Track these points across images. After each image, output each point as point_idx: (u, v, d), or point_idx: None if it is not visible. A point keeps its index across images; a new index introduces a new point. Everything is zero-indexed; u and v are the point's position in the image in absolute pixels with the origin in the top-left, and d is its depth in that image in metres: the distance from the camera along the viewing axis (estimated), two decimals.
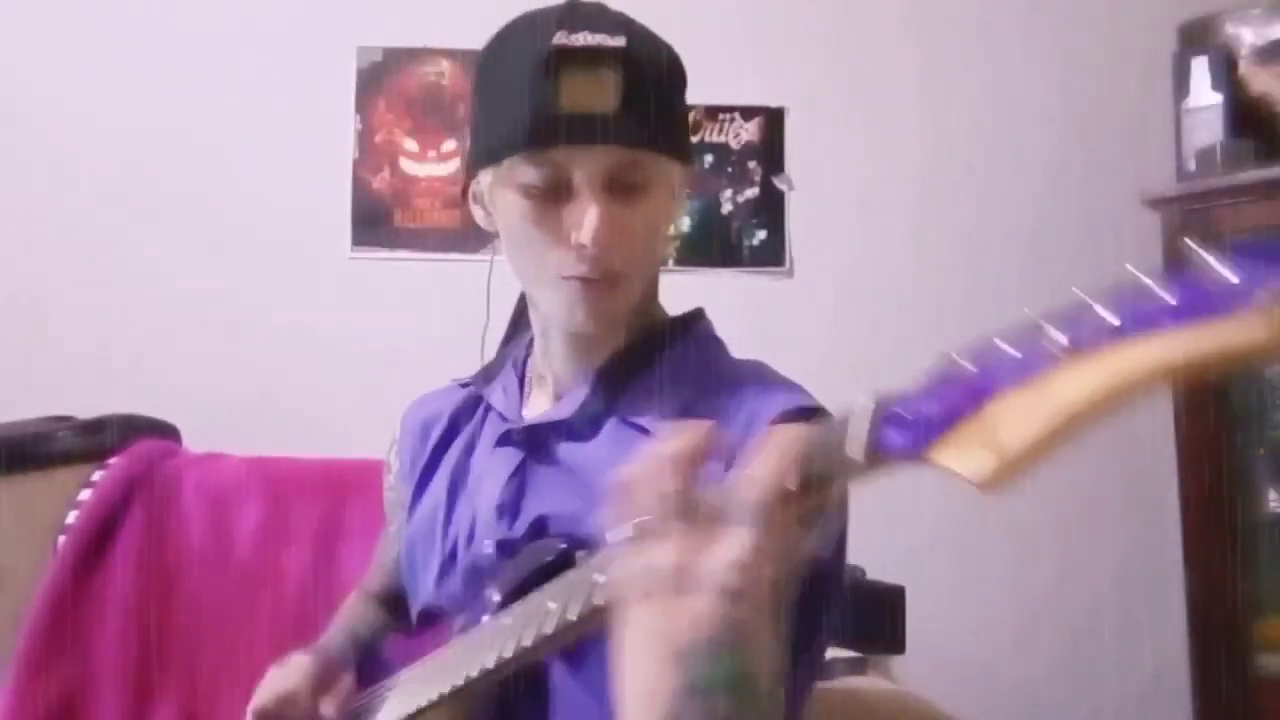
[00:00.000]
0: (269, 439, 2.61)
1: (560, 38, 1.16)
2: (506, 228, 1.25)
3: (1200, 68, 2.96)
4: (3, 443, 2.47)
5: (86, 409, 2.62)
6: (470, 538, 1.30)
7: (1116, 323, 0.54)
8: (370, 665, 1.44)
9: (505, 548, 1.23)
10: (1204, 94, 2.95)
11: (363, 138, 3.04)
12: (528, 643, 0.96)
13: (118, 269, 2.96)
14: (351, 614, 1.55)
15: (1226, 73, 2.93)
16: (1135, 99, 3.12)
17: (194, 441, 2.67)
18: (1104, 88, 3.15)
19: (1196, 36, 3.03)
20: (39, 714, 2.21)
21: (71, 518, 2.39)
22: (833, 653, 2.47)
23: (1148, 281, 0.54)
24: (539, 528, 1.21)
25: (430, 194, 3.03)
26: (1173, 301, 0.53)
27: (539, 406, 1.34)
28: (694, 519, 0.73)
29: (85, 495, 2.42)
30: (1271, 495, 2.82)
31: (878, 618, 2.17)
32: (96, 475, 2.45)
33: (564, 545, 1.13)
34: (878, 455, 0.65)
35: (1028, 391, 0.56)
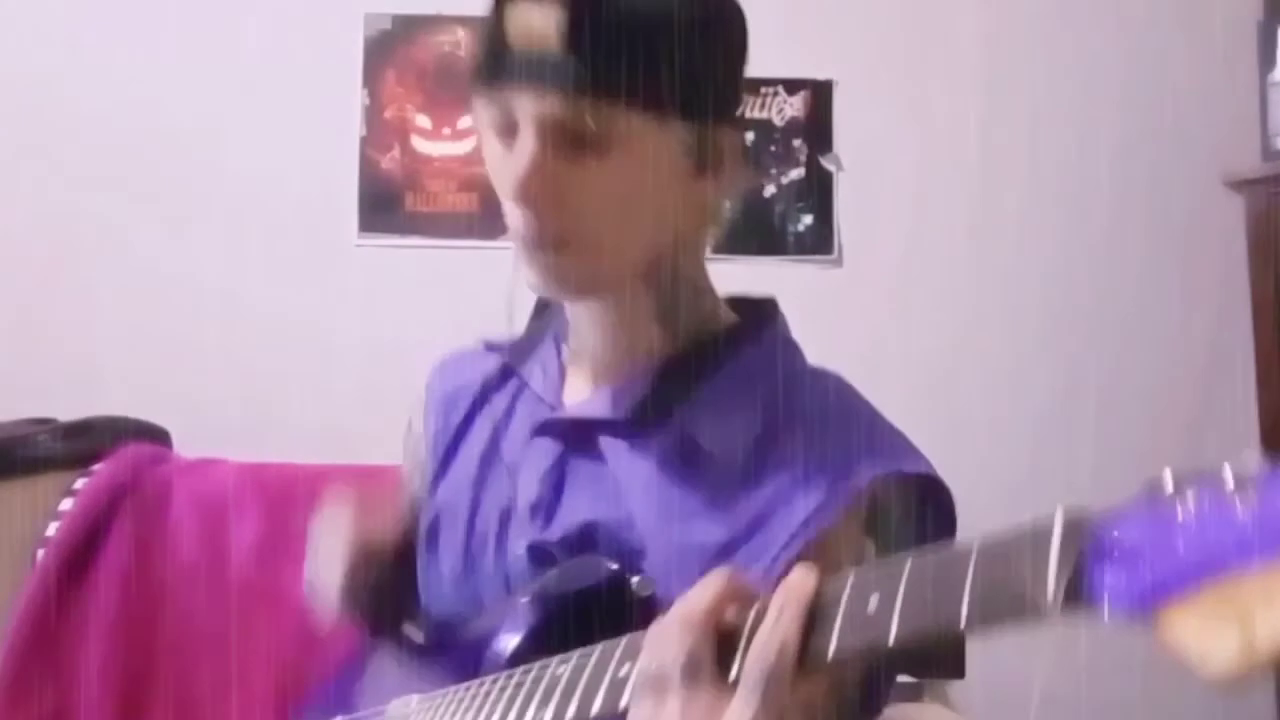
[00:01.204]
0: (267, 443, 2.55)
1: None
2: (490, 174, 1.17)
3: None
4: None
5: (69, 411, 2.55)
6: (499, 537, 1.22)
7: None
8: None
9: (538, 552, 1.15)
10: None
11: (370, 114, 3.01)
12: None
13: (102, 258, 2.92)
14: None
15: None
16: (1216, 71, 3.04)
17: (185, 446, 2.59)
18: (1182, 58, 3.07)
19: None
20: None
21: (52, 529, 2.30)
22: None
23: None
24: (581, 535, 1.13)
25: (445, 175, 2.98)
26: None
27: (578, 392, 1.25)
28: (701, 681, 0.78)
29: (67, 505, 2.33)
30: None
31: (937, 643, 2.13)
32: (79, 483, 2.37)
33: (614, 567, 1.05)
34: (1083, 600, 0.58)
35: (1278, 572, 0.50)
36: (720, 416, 1.14)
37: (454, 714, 1.08)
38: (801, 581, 0.77)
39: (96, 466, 2.38)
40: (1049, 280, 3.01)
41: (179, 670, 2.25)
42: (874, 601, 0.71)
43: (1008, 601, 0.62)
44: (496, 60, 1.08)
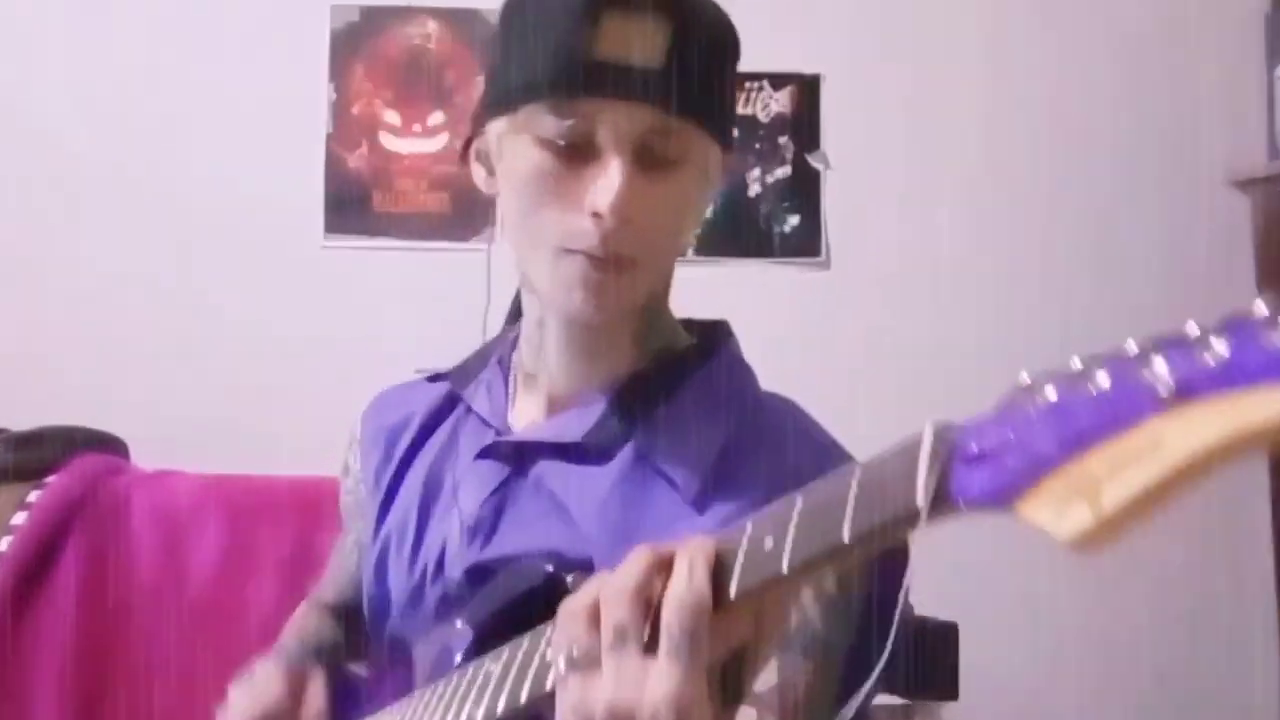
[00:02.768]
0: (229, 455, 2.52)
1: None
2: (512, 185, 1.13)
3: None
4: None
5: (20, 420, 2.53)
6: (440, 562, 1.21)
7: (1233, 365, 0.50)
8: (333, 687, 1.32)
9: (476, 574, 1.14)
10: None
11: (337, 109, 2.96)
12: (498, 711, 0.92)
13: (54, 259, 2.88)
14: (306, 628, 1.42)
15: None
16: (1222, 66, 3.01)
17: (143, 457, 2.57)
18: (1187, 53, 3.03)
19: None
20: None
21: (4, 544, 2.28)
22: (876, 699, 2.34)
23: (1268, 315, 0.50)
24: (522, 556, 1.12)
25: (415, 173, 2.92)
26: None
27: (528, 414, 1.23)
28: (628, 652, 0.76)
29: (20, 519, 2.32)
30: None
31: (927, 658, 2.13)
32: (32, 496, 2.35)
33: (549, 568, 1.04)
34: (949, 503, 0.62)
35: (1129, 439, 0.53)
36: (677, 440, 1.13)
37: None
38: (701, 538, 0.78)
39: (50, 479, 2.35)
40: (1048, 281, 2.97)
41: (137, 692, 2.21)
42: (769, 541, 0.74)
43: (884, 513, 0.65)
44: (580, 71, 1.06)
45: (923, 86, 3.03)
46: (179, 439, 2.61)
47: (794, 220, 2.98)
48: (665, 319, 1.24)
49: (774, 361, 1.27)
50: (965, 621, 2.09)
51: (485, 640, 1.02)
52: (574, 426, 1.17)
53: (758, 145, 2.99)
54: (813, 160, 2.99)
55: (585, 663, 0.78)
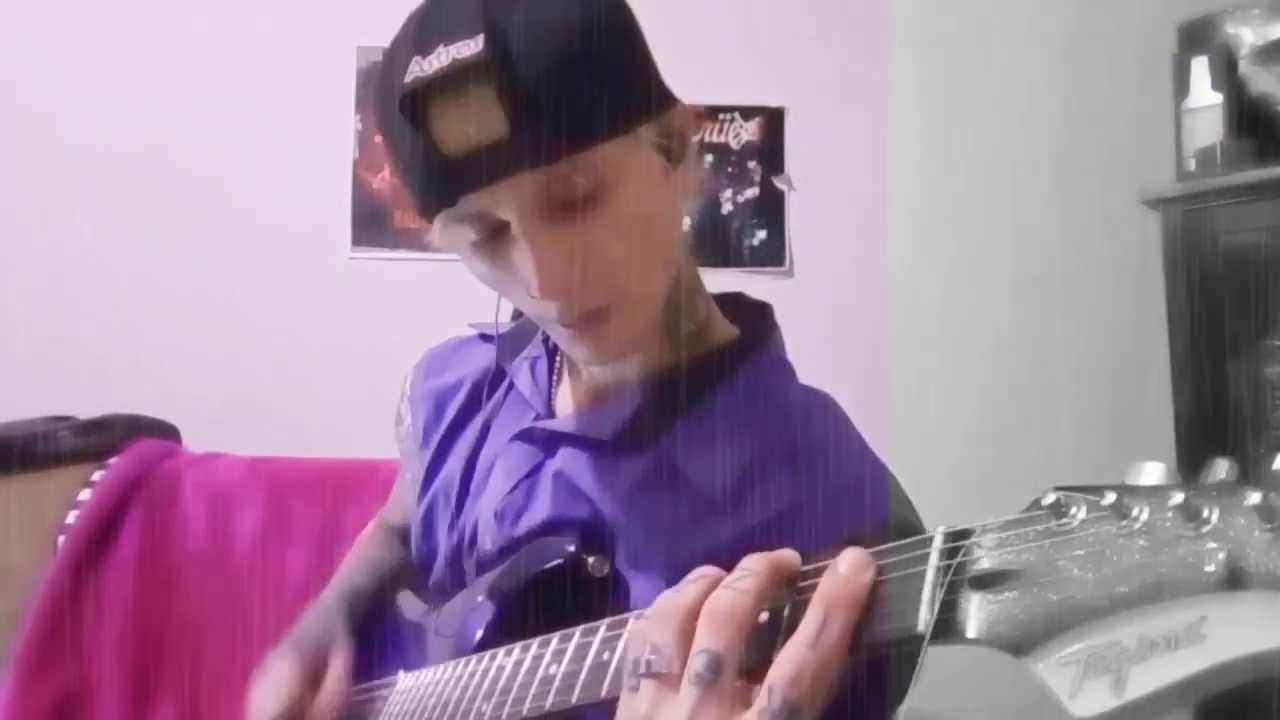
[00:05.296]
0: (269, 439, 2.59)
1: (413, 69, 0.91)
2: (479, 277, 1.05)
3: (1200, 68, 2.96)
4: (3, 443, 2.45)
5: (87, 409, 2.60)
6: (474, 536, 1.18)
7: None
8: (384, 609, 1.31)
9: (508, 551, 1.11)
10: (1204, 94, 2.95)
11: (363, 137, 3.01)
12: (533, 709, 0.83)
13: (117, 269, 2.94)
14: (372, 553, 1.43)
15: (1226, 73, 2.92)
16: (1135, 99, 3.09)
17: (194, 441, 2.65)
18: (1104, 88, 3.12)
19: (1196, 36, 3.03)
20: (38, 714, 2.18)
21: (71, 518, 2.37)
22: None
23: None
24: (545, 529, 1.08)
25: None
26: None
27: (568, 401, 1.17)
28: (713, 693, 0.60)
29: (85, 495, 2.40)
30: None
31: None
32: (97, 475, 2.43)
33: (571, 547, 1.01)
34: (957, 632, 0.52)
35: (1168, 613, 0.44)
36: (705, 444, 1.04)
37: (432, 698, 1.04)
38: (855, 580, 0.59)
39: (112, 460, 2.44)
40: (981, 290, 3.03)
41: (188, 647, 2.30)
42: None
43: (886, 627, 0.56)
44: (447, 178, 0.93)
45: (873, 116, 3.10)
46: (225, 425, 2.68)
47: (761, 234, 3.06)
48: (697, 300, 1.13)
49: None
50: None
51: (506, 616, 1.01)
52: (606, 424, 1.09)
53: (729, 169, 3.05)
54: (778, 182, 3.07)
55: (663, 677, 0.62)
